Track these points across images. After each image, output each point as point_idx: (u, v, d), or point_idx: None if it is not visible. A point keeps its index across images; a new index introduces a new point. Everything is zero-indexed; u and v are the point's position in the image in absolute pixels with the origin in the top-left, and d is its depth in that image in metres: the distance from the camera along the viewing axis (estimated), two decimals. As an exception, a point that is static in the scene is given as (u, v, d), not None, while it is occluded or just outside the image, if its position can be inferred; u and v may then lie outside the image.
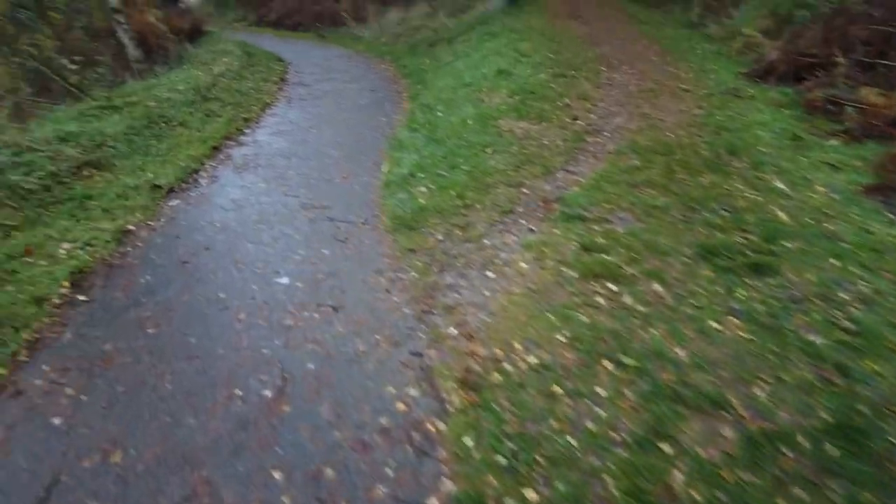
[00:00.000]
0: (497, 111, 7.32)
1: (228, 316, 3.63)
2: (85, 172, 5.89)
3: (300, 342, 3.32)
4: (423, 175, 5.72)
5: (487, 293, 3.64)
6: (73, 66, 8.79)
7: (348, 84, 11.52)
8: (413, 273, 3.95)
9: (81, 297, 3.91)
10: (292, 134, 8.05)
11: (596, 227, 4.24)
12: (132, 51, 11.73)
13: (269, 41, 19.13)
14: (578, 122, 6.85)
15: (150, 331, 3.51)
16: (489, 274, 3.85)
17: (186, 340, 3.39)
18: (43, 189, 5.28)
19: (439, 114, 8.04)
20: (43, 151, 5.86)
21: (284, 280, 4.02)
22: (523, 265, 3.89)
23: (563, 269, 3.76)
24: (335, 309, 3.64)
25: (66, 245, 4.50)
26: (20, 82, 10.07)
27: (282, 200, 5.53)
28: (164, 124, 7.85)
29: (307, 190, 5.77)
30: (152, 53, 12.45)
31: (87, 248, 4.50)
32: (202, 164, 6.72)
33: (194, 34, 15.97)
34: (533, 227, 4.41)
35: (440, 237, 4.41)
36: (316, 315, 3.59)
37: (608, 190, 4.86)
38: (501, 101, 7.79)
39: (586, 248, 3.96)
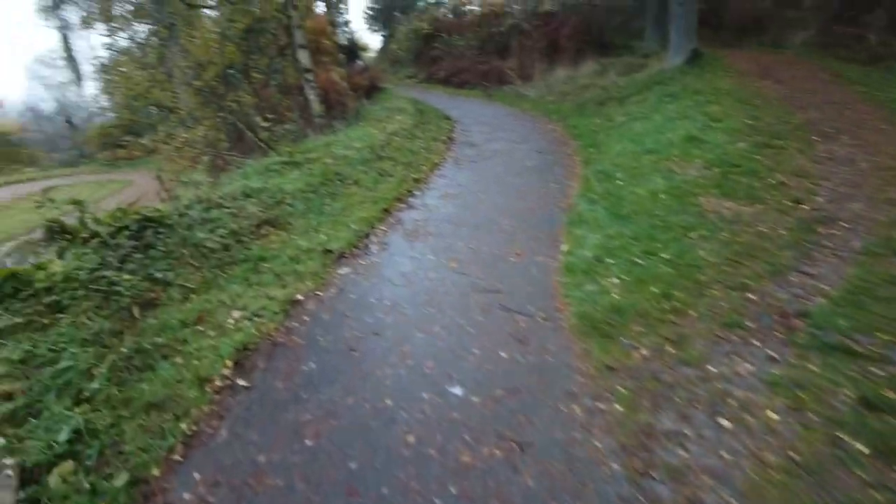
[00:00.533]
0: (694, 186, 6.26)
1: (395, 435, 3.01)
2: (263, 231, 5.87)
3: (480, 495, 2.58)
4: (612, 261, 4.85)
5: (727, 455, 2.64)
6: (266, 124, 9.35)
7: (516, 144, 11.08)
8: (616, 405, 3.07)
9: (242, 383, 3.56)
10: (461, 198, 7.64)
11: (877, 371, 3.03)
12: (315, 106, 12.41)
13: (437, 98, 19.68)
14: (802, 205, 5.55)
15: (307, 442, 3.00)
16: (723, 422, 2.84)
17: (347, 465, 2.81)
18: (223, 248, 5.26)
19: (620, 182, 7.15)
20: (228, 208, 5.96)
21: (458, 391, 3.35)
22: (772, 415, 2.83)
23: (840, 434, 2.64)
24: (521, 447, 2.85)
25: (235, 313, 4.29)
26: (221, 136, 11.06)
27: (452, 278, 4.97)
28: (339, 182, 7.86)
29: (478, 267, 5.16)
30: (332, 109, 13.11)
31: (255, 318, 4.24)
32: (373, 227, 6.48)
33: (371, 91, 16.81)
34: (774, 355, 3.31)
35: (646, 352, 3.49)
36: (497, 452, 2.84)
37: (875, 309, 3.58)
38: (698, 173, 6.70)
39: (870, 405, 2.78)
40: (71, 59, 26.07)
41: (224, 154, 9.72)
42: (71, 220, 5.22)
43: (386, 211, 7.12)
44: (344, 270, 5.32)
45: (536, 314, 4.20)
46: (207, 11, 11.96)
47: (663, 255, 4.75)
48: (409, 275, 5.10)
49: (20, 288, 3.90)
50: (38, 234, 5.16)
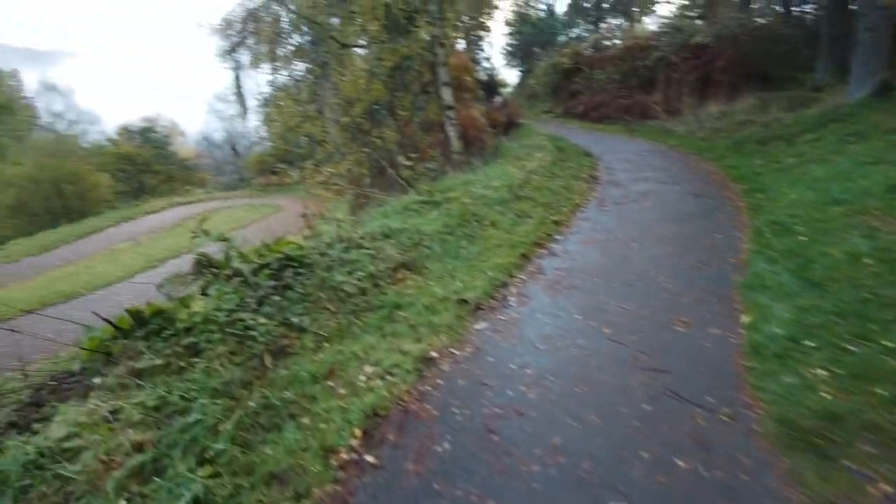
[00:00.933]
0: (913, 250, 5.03)
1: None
2: (399, 275, 5.61)
3: None
4: (812, 344, 3.88)
5: None
6: (408, 162, 9.34)
7: (667, 185, 10.10)
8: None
9: (369, 459, 3.17)
10: (608, 246, 6.92)
11: None
12: (455, 143, 12.33)
13: (576, 133, 19.00)
14: None
15: (440, 555, 2.50)
16: None
17: None
18: (360, 292, 5.05)
19: (803, 239, 6.01)
20: (368, 249, 5.79)
21: (626, 511, 2.67)
22: None
23: None
24: None
25: (367, 369, 3.97)
26: (364, 171, 11.33)
27: (606, 348, 4.29)
28: (476, 223, 7.50)
29: (637, 336, 4.43)
30: (471, 146, 12.97)
31: (387, 377, 3.89)
32: (511, 275, 5.99)
33: (509, 126, 16.57)
34: None
35: (888, 488, 2.58)
36: None
37: None
38: (915, 234, 5.42)
39: None
40: (240, 95, 29.33)
41: (366, 191, 9.85)
42: (220, 252, 5.32)
43: (525, 257, 6.61)
44: (481, 325, 4.86)
45: (719, 409, 3.39)
46: (358, 50, 12.46)
47: (886, 343, 3.71)
48: (554, 338, 4.50)
49: (165, 326, 3.88)
50: (188, 265, 5.29)
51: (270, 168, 37.08)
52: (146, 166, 40.69)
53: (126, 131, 44.94)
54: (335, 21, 11.92)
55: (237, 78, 27.70)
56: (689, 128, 17.78)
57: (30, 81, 54.92)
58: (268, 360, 3.88)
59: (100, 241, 21.08)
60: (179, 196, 33.87)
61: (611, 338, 4.45)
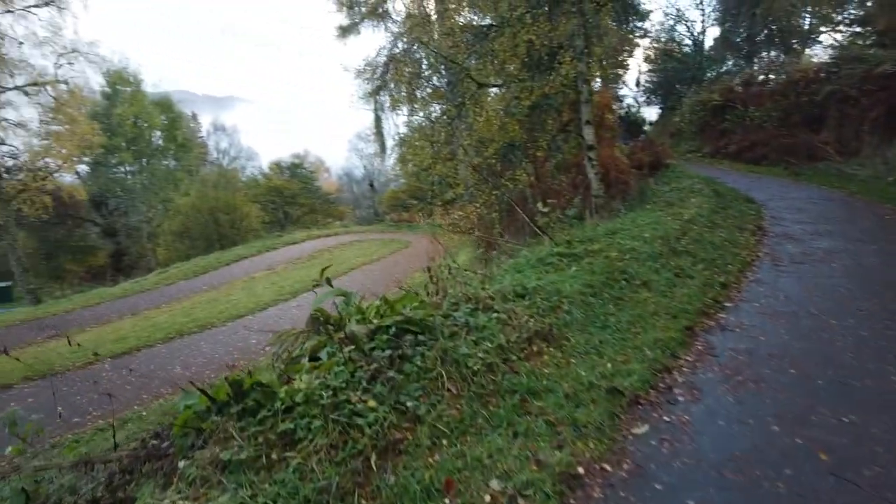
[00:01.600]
0: None
1: None
2: (534, 347, 4.68)
3: None
4: None
5: None
6: (545, 208, 8.43)
7: (861, 244, 8.27)
8: None
9: None
10: (798, 322, 5.47)
11: None
12: (595, 186, 11.24)
13: (731, 176, 16.96)
14: None
15: None
16: None
17: None
18: (486, 369, 4.18)
19: None
20: (498, 311, 4.93)
21: None
22: None
23: None
24: None
25: (494, 484, 3.07)
26: (494, 214, 10.62)
27: (826, 486, 2.99)
28: (625, 283, 6.37)
29: (873, 472, 3.07)
30: (612, 189, 11.79)
31: (518, 499, 2.94)
32: (674, 355, 4.79)
33: (655, 167, 15.09)
34: None
35: None
36: None
37: None
38: None
39: None
40: (379, 135, 30.60)
41: (495, 239, 9.10)
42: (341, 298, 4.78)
43: (689, 331, 5.36)
44: (641, 429, 3.75)
45: None
46: (494, 90, 11.96)
47: None
48: (747, 463, 3.28)
49: (262, 403, 3.29)
50: (305, 320, 4.78)
51: (403, 204, 38.36)
52: (292, 199, 44.05)
53: (277, 166, 49.16)
54: (473, 61, 11.52)
55: (378, 118, 28.88)
56: (874, 171, 15.09)
57: (205, 123, 62.28)
58: (373, 460, 3.12)
59: (242, 268, 22.48)
60: (318, 228, 35.85)
61: (833, 471, 3.13)
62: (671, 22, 35.48)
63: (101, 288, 22.31)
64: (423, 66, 16.07)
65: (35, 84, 26.31)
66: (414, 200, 35.96)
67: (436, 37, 13.89)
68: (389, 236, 30.19)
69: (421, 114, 14.30)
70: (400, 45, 22.72)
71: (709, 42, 34.99)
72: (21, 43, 25.86)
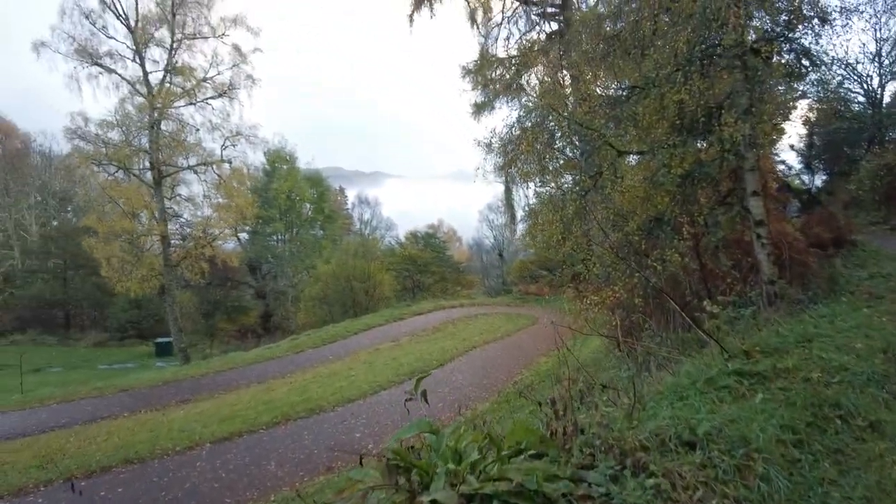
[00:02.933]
0: None
1: None
2: (717, 547, 2.94)
3: None
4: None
5: None
6: (713, 308, 6.51)
7: None
8: None
9: None
10: None
11: None
12: (766, 270, 9.04)
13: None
14: None
15: None
16: None
17: None
18: None
19: None
20: (655, 474, 3.29)
21: None
22: None
23: None
24: None
25: None
26: (637, 301, 8.84)
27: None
28: (840, 423, 4.34)
29: None
30: (787, 273, 9.43)
31: None
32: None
33: (838, 245, 12.26)
34: None
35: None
36: None
37: None
38: None
39: None
40: (510, 206, 29.96)
41: (640, 342, 7.32)
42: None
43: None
44: None
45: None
46: (637, 157, 10.44)
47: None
48: None
49: None
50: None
51: (532, 274, 37.00)
52: (424, 267, 44.61)
53: (413, 236, 50.49)
54: (613, 127, 10.15)
55: (508, 190, 28.23)
56: None
57: (351, 196, 69.71)
58: None
59: (369, 338, 22.25)
60: (446, 298, 35.44)
61: None
62: (837, 78, 31.20)
63: (237, 352, 23.21)
64: (556, 136, 14.96)
65: (204, 164, 29.38)
66: (544, 271, 34.32)
67: (570, 105, 12.81)
68: (516, 310, 28.69)
69: (552, 184, 13.01)
70: (532, 118, 22.11)
71: (887, 98, 30.18)
72: (198, 130, 29.23)
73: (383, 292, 37.80)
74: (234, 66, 30.08)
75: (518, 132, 22.62)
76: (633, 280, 9.63)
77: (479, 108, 26.99)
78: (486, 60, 24.81)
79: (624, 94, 10.31)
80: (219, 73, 29.89)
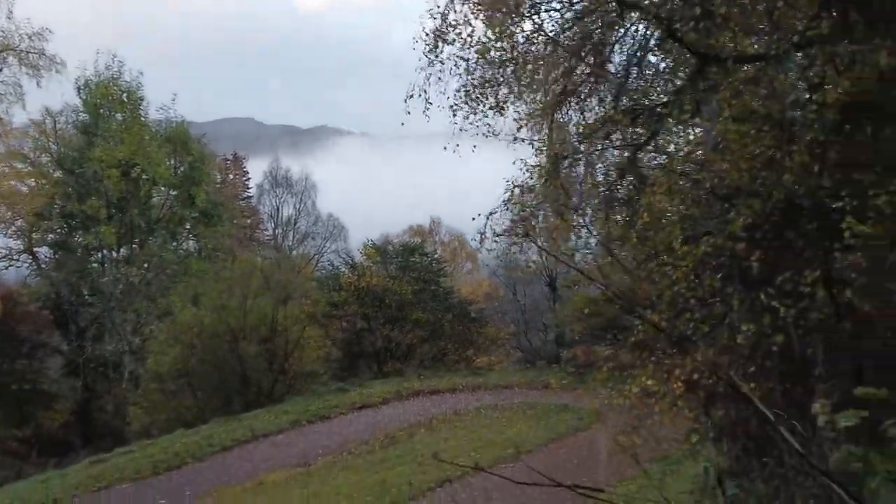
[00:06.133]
0: None
1: None
2: None
3: None
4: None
5: None
6: None
7: None
8: None
9: None
10: None
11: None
12: None
13: None
14: None
15: None
16: None
17: None
18: None
19: None
20: None
21: None
22: None
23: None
24: None
25: None
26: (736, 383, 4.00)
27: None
28: None
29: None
30: None
31: None
32: None
33: None
34: None
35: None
36: None
37: None
38: None
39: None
40: (555, 180, 21.82)
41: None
42: None
43: None
44: None
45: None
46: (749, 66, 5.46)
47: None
48: None
49: None
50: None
51: (610, 325, 17.45)
52: (399, 311, 25.40)
53: (376, 251, 28.08)
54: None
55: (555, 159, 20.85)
56: None
57: (258, 173, 43.15)
58: None
59: (250, 458, 14.41)
60: (440, 374, 22.68)
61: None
62: None
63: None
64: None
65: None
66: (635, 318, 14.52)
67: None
68: (557, 399, 16.76)
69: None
70: None
71: None
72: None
73: (304, 363, 22.55)
74: None
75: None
76: (729, 336, 4.72)
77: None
78: None
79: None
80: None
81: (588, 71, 6.17)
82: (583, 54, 6.11)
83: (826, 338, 4.06)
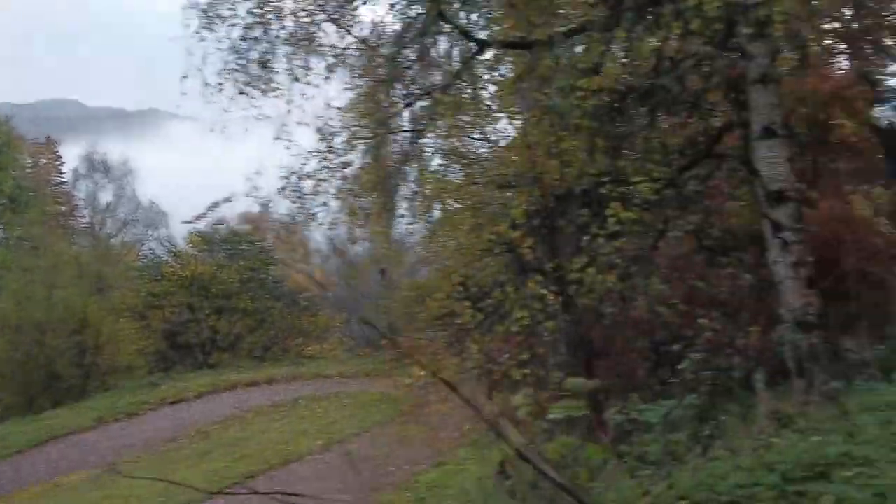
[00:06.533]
0: None
1: None
2: None
3: None
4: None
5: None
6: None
7: None
8: None
9: None
10: None
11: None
12: (790, 297, 4.27)
13: None
14: None
15: None
16: None
17: None
18: None
19: None
20: None
21: None
22: None
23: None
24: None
25: None
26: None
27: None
28: None
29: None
30: (838, 305, 4.51)
31: None
32: None
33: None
34: None
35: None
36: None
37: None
38: None
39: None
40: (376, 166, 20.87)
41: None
42: None
43: None
44: None
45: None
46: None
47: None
48: None
49: None
50: None
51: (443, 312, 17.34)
52: (226, 300, 24.06)
53: (202, 239, 28.57)
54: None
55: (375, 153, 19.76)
56: None
57: (72, 156, 37.37)
58: None
59: (43, 460, 13.20)
60: (259, 367, 21.41)
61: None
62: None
63: None
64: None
65: None
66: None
67: None
68: (376, 389, 16.34)
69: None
70: None
71: None
72: None
73: (121, 356, 20.89)
74: None
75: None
76: (534, 315, 4.68)
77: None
78: None
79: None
80: None
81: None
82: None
83: (563, 328, 4.16)
